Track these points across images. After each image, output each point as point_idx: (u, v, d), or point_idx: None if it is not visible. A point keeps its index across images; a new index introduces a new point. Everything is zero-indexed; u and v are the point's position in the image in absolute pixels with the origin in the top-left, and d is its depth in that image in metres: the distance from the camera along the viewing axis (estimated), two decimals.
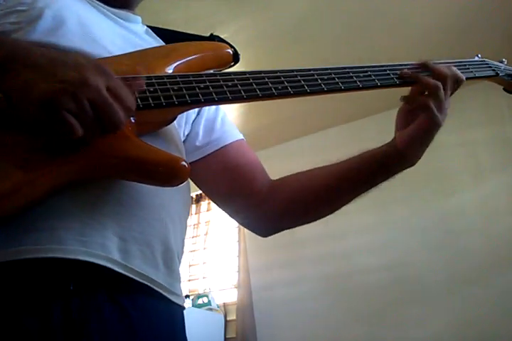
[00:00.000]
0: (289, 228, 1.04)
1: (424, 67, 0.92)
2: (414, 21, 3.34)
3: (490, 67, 1.01)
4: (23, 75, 0.61)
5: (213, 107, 1.05)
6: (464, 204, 3.67)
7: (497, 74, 1.00)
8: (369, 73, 0.89)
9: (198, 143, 0.99)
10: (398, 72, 0.92)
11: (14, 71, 0.62)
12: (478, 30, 3.33)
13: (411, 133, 0.91)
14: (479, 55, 1.02)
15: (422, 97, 0.89)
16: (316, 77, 0.86)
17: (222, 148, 1.01)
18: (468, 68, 0.98)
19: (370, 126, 4.21)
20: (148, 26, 1.05)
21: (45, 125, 0.61)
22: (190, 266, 4.53)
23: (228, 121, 1.07)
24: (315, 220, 1.02)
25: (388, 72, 0.91)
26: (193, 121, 1.01)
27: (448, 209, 3.70)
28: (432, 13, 3.25)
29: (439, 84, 0.88)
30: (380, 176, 0.95)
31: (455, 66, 0.95)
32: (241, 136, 1.07)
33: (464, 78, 0.93)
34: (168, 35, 1.01)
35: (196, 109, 1.01)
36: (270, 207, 0.98)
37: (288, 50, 3.44)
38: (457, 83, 0.92)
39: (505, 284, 3.29)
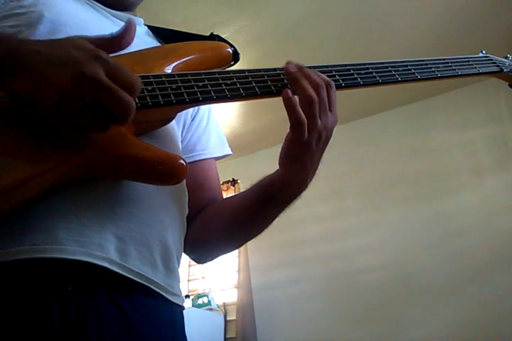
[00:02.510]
0: (210, 255, 1.02)
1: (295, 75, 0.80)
2: (413, 21, 3.34)
3: (494, 62, 0.99)
4: (24, 79, 0.61)
5: (206, 117, 1.05)
6: (464, 204, 3.69)
7: (501, 70, 0.99)
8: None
9: (183, 149, 0.99)
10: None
11: (13, 71, 0.61)
12: (479, 29, 3.33)
13: (281, 150, 0.83)
14: (483, 51, 1.01)
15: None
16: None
17: (196, 161, 1.01)
18: (472, 64, 0.97)
19: (368, 126, 4.21)
20: (148, 26, 1.05)
21: (60, 127, 0.62)
22: (190, 266, 4.52)
23: (216, 134, 1.07)
24: (229, 249, 1.01)
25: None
26: (189, 125, 1.01)
27: (448, 209, 3.71)
28: (431, 12, 3.25)
29: (313, 99, 0.78)
30: (267, 204, 0.89)
31: (459, 62, 0.93)
32: (223, 153, 1.07)
33: (331, 81, 0.80)
34: (168, 35, 1.01)
35: (192, 114, 1.01)
36: (190, 231, 0.94)
37: (287, 50, 3.44)
38: (328, 90, 0.80)
39: (505, 284, 3.31)
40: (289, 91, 0.78)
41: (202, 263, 1.05)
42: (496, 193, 3.61)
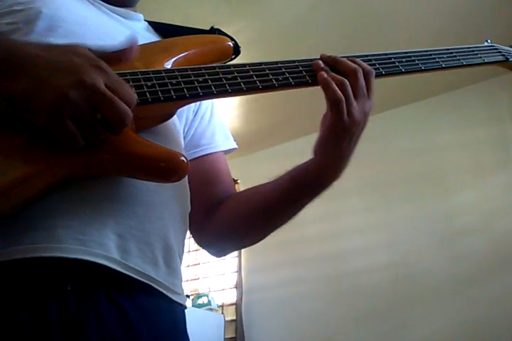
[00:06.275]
0: (232, 249, 1.04)
1: (330, 62, 0.84)
2: (416, 20, 3.32)
3: (500, 52, 0.99)
4: (21, 82, 0.61)
5: (209, 111, 1.05)
6: (465, 204, 3.68)
7: (507, 59, 0.98)
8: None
9: (188, 145, 0.99)
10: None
11: (11, 73, 0.62)
12: (483, 24, 3.29)
13: (319, 135, 0.84)
14: (489, 41, 1.00)
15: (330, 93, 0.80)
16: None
17: (203, 156, 1.00)
18: (477, 54, 0.96)
19: (368, 126, 4.19)
20: (149, 22, 1.05)
21: (52, 132, 0.62)
22: (190, 266, 4.50)
23: (220, 128, 1.07)
24: (256, 241, 1.00)
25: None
26: (191, 120, 1.00)
27: (448, 209, 3.71)
28: (438, 10, 3.22)
29: (343, 80, 0.80)
30: (301, 194, 0.89)
31: (463, 52, 0.92)
32: (229, 146, 1.06)
33: (372, 69, 0.83)
34: (168, 30, 1.00)
35: (194, 110, 1.01)
36: (212, 225, 0.95)
37: (287, 50, 3.44)
38: (367, 77, 0.82)
39: (506, 284, 3.30)
40: (324, 73, 0.80)
41: (220, 257, 1.05)
42: (496, 193, 3.61)
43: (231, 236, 0.97)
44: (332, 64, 0.83)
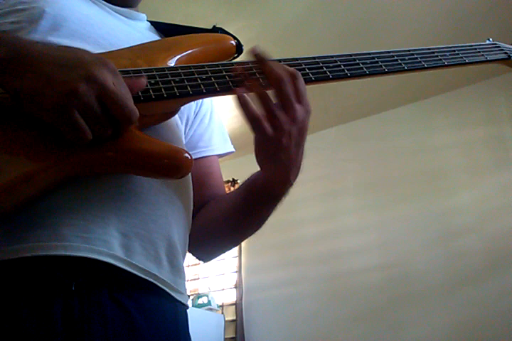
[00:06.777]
0: (213, 253, 1.01)
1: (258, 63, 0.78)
2: (414, 20, 3.32)
3: (502, 50, 0.99)
4: (25, 80, 0.61)
5: (208, 114, 1.05)
6: (462, 204, 3.69)
7: (509, 57, 0.98)
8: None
9: (186, 146, 0.98)
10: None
11: (17, 71, 0.62)
12: (477, 21, 3.30)
13: (254, 148, 0.80)
14: (491, 39, 0.99)
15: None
16: (321, 65, 0.84)
17: (199, 158, 1.00)
18: (479, 52, 0.96)
19: (367, 126, 4.21)
20: (152, 22, 1.05)
21: (59, 128, 0.62)
22: (190, 266, 4.50)
23: (219, 131, 1.07)
24: (232, 245, 1.00)
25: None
26: (192, 121, 1.01)
27: (446, 209, 3.71)
28: (429, 11, 3.24)
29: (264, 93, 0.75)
30: (255, 203, 0.87)
31: (466, 50, 0.92)
32: (226, 150, 1.06)
33: (298, 72, 0.76)
34: (170, 30, 1.01)
35: (195, 110, 1.01)
36: (194, 228, 0.93)
37: (287, 50, 3.44)
38: (295, 81, 0.75)
39: (503, 284, 3.30)
40: (241, 89, 0.75)
41: (205, 262, 1.04)
42: (493, 193, 3.62)
43: (208, 239, 0.97)
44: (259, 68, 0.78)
